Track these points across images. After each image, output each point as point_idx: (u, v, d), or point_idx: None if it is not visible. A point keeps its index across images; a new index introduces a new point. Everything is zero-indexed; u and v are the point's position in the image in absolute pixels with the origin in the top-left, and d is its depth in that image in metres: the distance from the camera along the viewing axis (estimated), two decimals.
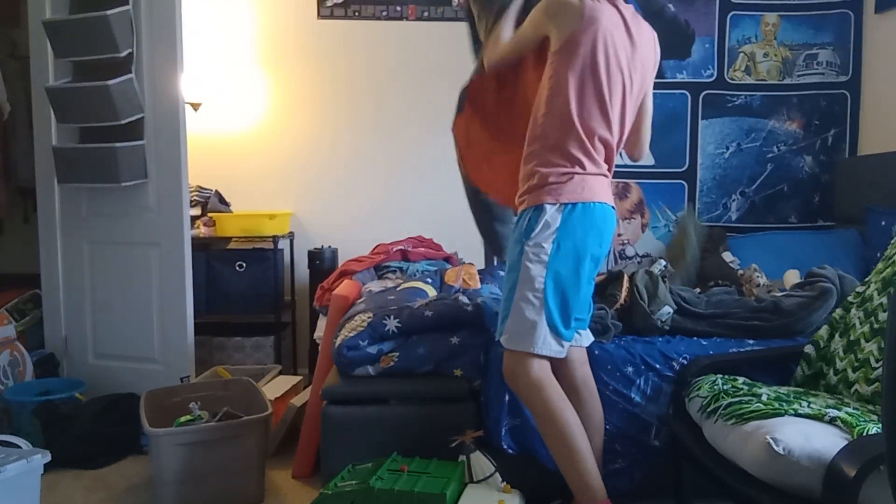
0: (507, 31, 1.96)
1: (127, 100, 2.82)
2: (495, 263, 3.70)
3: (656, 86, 2.08)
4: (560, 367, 1.93)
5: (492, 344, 2.33)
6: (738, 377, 1.88)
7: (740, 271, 3.07)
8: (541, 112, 1.84)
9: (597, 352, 2.12)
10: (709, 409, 1.69)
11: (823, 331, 2.03)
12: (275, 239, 3.40)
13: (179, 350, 2.92)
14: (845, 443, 1.40)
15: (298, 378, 3.05)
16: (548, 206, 1.80)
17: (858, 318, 1.93)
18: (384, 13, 3.65)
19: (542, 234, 1.79)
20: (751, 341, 2.29)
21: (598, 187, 1.83)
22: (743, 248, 3.36)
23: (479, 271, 2.91)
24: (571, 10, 1.78)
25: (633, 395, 2.13)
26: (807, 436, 1.43)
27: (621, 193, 3.71)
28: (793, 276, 2.86)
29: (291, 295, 3.65)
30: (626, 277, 2.36)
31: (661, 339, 2.31)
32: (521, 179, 1.88)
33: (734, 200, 3.73)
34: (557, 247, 1.79)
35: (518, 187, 1.90)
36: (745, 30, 3.69)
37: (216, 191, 3.58)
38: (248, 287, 3.35)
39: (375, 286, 2.75)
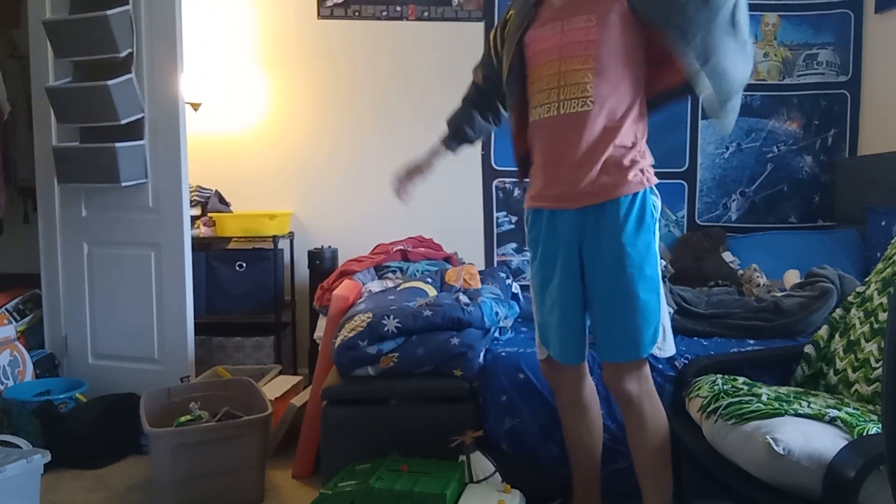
0: None
1: (127, 100, 2.82)
2: (495, 264, 3.71)
3: None
4: (572, 380, 1.89)
5: (492, 344, 2.33)
6: (738, 377, 1.87)
7: (740, 271, 3.07)
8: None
9: None
10: (709, 409, 1.69)
11: (823, 331, 2.03)
12: (275, 239, 3.40)
13: (179, 350, 2.92)
14: (845, 443, 1.40)
15: (298, 378, 3.04)
16: (654, 189, 1.71)
17: (858, 318, 1.93)
18: (384, 13, 3.65)
19: (656, 223, 1.70)
20: (751, 341, 2.29)
21: None
22: (743, 248, 3.36)
23: (480, 271, 2.90)
24: None
25: None
26: (807, 436, 1.43)
27: None
28: (793, 276, 2.86)
29: (291, 295, 3.65)
30: None
31: None
32: (620, 153, 1.69)
33: (734, 200, 3.73)
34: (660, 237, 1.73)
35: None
36: None
37: (216, 191, 3.58)
38: (248, 287, 3.35)
39: (375, 286, 2.75)
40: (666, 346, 1.71)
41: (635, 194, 1.67)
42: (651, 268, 1.67)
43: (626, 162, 1.68)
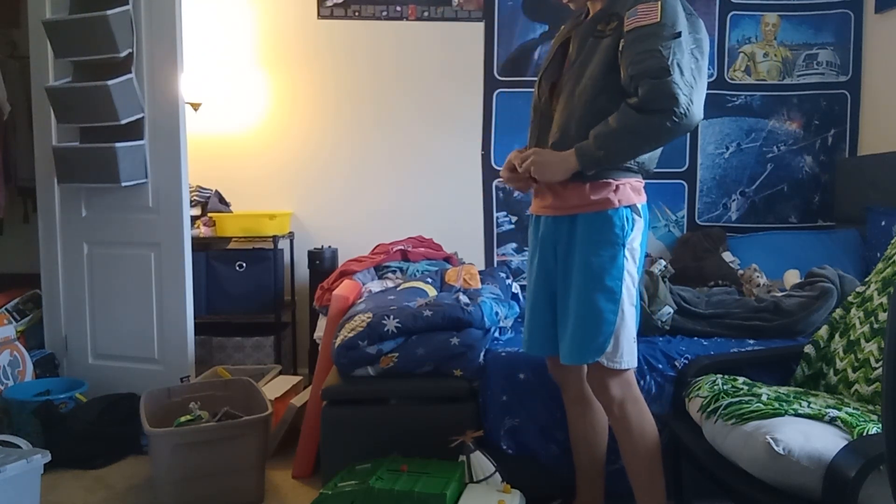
0: None
1: (127, 100, 2.82)
2: (495, 264, 3.71)
3: None
4: (577, 377, 1.93)
5: (492, 344, 2.33)
6: (738, 377, 1.88)
7: (740, 271, 3.07)
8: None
9: None
10: (709, 409, 1.69)
11: (823, 331, 2.03)
12: (275, 239, 3.40)
13: (179, 350, 2.92)
14: (845, 443, 1.40)
15: (298, 378, 3.04)
16: (638, 206, 1.78)
17: (858, 318, 1.93)
18: (384, 13, 3.65)
19: (634, 236, 1.76)
20: (751, 341, 2.29)
21: None
22: (743, 248, 3.36)
23: (480, 271, 2.91)
24: None
25: None
26: (807, 436, 1.43)
27: None
28: (793, 276, 2.86)
29: (291, 295, 3.65)
30: None
31: (661, 339, 2.32)
32: (594, 177, 1.74)
33: (734, 200, 3.73)
34: (641, 250, 1.78)
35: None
36: (745, 30, 3.68)
37: (216, 191, 3.58)
38: (248, 287, 3.35)
39: (375, 286, 2.74)
40: (619, 358, 1.73)
41: (605, 211, 1.73)
42: (613, 279, 1.72)
43: (598, 185, 1.74)
